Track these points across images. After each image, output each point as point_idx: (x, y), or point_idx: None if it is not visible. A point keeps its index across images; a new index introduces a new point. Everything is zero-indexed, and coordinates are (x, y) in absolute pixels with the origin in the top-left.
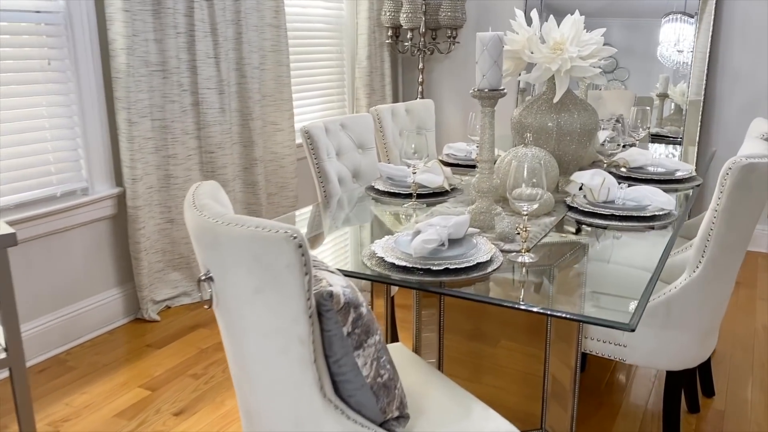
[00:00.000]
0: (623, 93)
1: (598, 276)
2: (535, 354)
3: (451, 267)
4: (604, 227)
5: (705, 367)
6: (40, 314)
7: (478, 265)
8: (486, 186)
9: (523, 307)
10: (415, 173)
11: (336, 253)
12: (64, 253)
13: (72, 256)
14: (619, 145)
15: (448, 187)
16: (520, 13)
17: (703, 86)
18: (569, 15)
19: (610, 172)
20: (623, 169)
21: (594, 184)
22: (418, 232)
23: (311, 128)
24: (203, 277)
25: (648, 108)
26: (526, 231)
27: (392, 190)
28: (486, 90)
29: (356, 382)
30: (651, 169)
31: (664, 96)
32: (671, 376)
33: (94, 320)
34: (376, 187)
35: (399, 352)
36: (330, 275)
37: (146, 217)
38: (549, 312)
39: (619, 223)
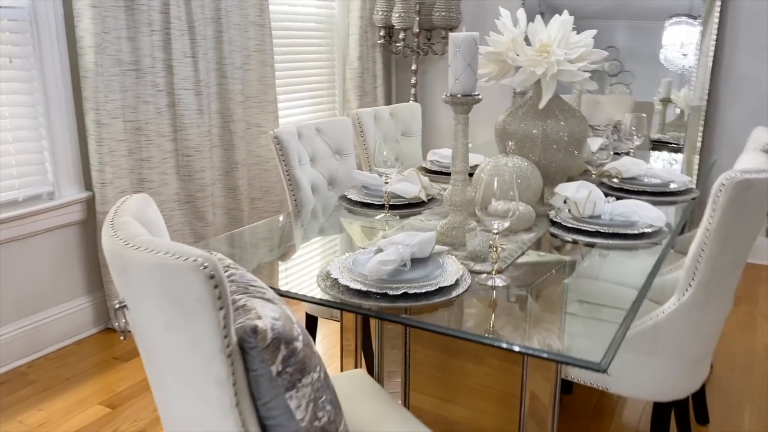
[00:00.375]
0: (622, 98)
1: (578, 300)
2: (513, 371)
3: (410, 291)
4: (591, 245)
5: (698, 393)
6: (1, 324)
7: (441, 290)
8: (459, 199)
9: (484, 341)
10: (387, 183)
11: (292, 271)
12: (28, 260)
13: (37, 263)
14: (609, 154)
15: (424, 198)
16: (506, 13)
17: (707, 91)
18: (557, 15)
19: (601, 183)
20: (615, 180)
21: (579, 197)
22: (380, 250)
23: (281, 133)
24: (117, 306)
25: (644, 115)
26: (497, 251)
27: (365, 200)
28: (459, 95)
29: (289, 426)
30: (645, 180)
31: (666, 101)
32: (659, 406)
33: (60, 331)
34: (348, 196)
35: (358, 380)
36: (263, 304)
37: None
38: (511, 347)
39: (605, 241)
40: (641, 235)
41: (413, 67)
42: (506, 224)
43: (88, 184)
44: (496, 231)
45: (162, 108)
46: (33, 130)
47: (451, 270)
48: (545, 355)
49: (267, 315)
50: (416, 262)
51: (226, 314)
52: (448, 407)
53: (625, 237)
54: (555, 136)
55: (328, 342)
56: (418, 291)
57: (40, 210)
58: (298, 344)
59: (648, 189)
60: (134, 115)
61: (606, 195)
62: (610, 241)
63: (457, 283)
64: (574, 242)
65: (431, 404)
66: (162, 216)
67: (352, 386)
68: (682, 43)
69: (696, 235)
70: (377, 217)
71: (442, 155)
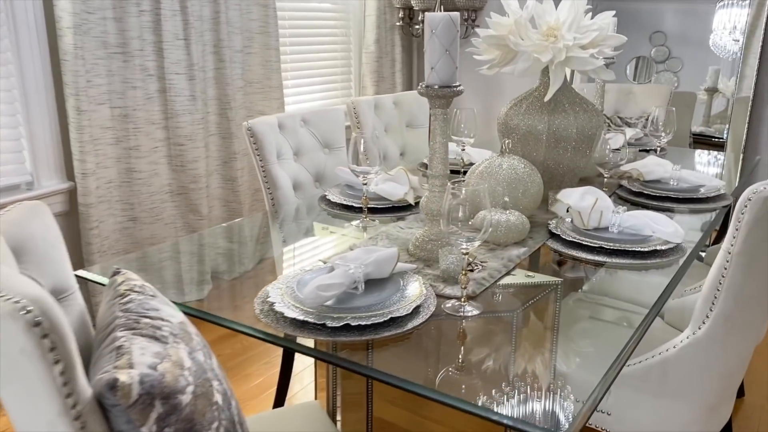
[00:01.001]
0: (658, 87)
1: (565, 336)
2: None
3: (354, 323)
4: (593, 264)
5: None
6: None
7: (393, 321)
8: (436, 207)
9: (429, 395)
10: (366, 184)
11: (232, 290)
12: None
13: None
14: (626, 154)
15: (411, 201)
16: None
17: (753, 81)
18: None
19: (620, 186)
20: (636, 184)
21: (583, 206)
22: (332, 269)
23: (255, 125)
24: None
25: (673, 108)
26: (466, 274)
27: (346, 202)
28: (436, 87)
29: None
30: (671, 183)
31: (713, 91)
32: None
33: None
34: (329, 197)
35: (306, 415)
36: (146, 345)
37: (105, 215)
38: (462, 407)
39: (610, 259)
40: (653, 253)
41: None
42: (476, 243)
43: (70, 174)
44: (465, 251)
45: (152, 94)
46: (9, 116)
47: (412, 296)
48: (502, 421)
49: (141, 362)
50: (373, 284)
51: (65, 368)
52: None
53: (635, 255)
54: (563, 132)
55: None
56: (363, 322)
57: (17, 201)
58: (184, 398)
59: (672, 194)
60: (122, 101)
61: (623, 200)
62: (616, 260)
63: (416, 312)
64: (574, 259)
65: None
66: (91, 223)
67: (295, 423)
68: (733, 27)
69: (717, 257)
70: (353, 223)
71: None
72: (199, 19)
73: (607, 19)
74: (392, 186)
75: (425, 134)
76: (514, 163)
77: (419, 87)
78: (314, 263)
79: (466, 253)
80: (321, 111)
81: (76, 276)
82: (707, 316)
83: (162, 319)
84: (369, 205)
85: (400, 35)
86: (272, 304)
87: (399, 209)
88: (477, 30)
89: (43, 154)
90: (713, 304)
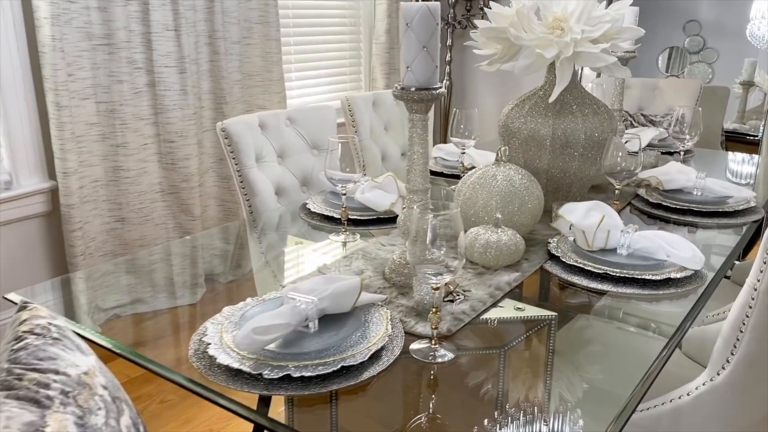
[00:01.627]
0: (685, 83)
1: (558, 385)
2: None
3: (295, 374)
4: (596, 292)
5: None
6: None
7: (346, 370)
8: (417, 227)
9: None
10: (345, 194)
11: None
12: None
13: None
14: (640, 161)
15: (399, 212)
16: None
17: None
18: None
19: (636, 195)
20: (654, 194)
21: (587, 224)
22: (292, 297)
23: (230, 125)
24: None
25: (699, 109)
26: (436, 313)
27: (327, 213)
28: (412, 89)
29: None
30: (694, 194)
31: (749, 84)
32: None
33: None
34: (309, 206)
35: None
36: (20, 412)
37: (90, 216)
38: None
39: (615, 288)
40: (667, 282)
41: (448, 42)
42: (446, 278)
43: (52, 173)
44: (435, 285)
45: (140, 88)
46: None
47: (374, 335)
48: None
49: None
50: (331, 320)
51: None
52: None
53: (645, 284)
54: (570, 137)
55: None
56: (307, 373)
57: None
58: None
59: (695, 207)
60: (107, 96)
61: (639, 212)
62: (623, 289)
63: (377, 357)
64: (573, 287)
65: None
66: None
67: None
68: None
69: (741, 290)
70: (331, 236)
71: (448, 152)
72: (191, 9)
73: (623, 9)
74: (378, 195)
75: (431, 133)
76: (510, 173)
77: (394, 88)
78: (277, 288)
79: (437, 289)
80: (309, 109)
81: (5, 299)
82: (728, 361)
83: (56, 372)
84: (352, 217)
85: None
86: (208, 345)
87: (385, 221)
88: (476, 22)
89: (22, 152)
90: (735, 347)
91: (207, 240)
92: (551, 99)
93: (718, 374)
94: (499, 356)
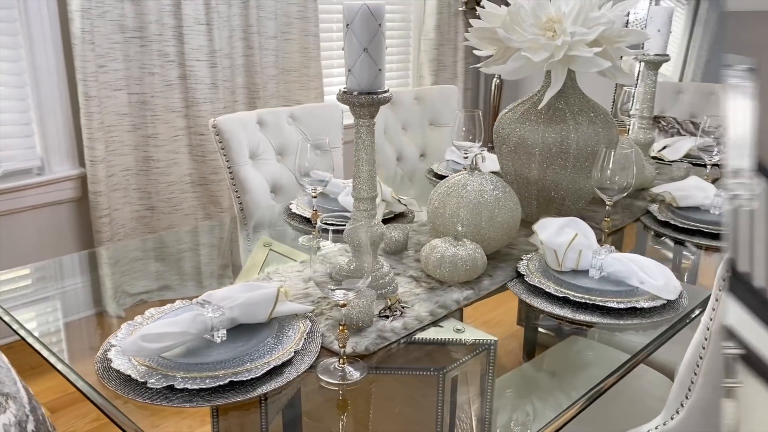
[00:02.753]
0: (709, 86)
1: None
2: None
3: (179, 386)
4: (555, 317)
5: None
6: None
7: (235, 386)
8: (358, 237)
9: None
10: (315, 197)
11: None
12: (14, 237)
13: (23, 240)
14: (633, 174)
15: (379, 216)
16: None
17: None
18: None
19: (647, 211)
20: (666, 211)
21: (558, 242)
22: (204, 304)
23: (222, 122)
24: None
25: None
26: (344, 329)
27: (306, 214)
28: (354, 93)
29: None
30: (710, 213)
31: None
32: None
33: None
34: (291, 207)
35: None
36: None
37: (120, 203)
38: None
39: (573, 315)
40: (632, 311)
41: None
42: (351, 295)
43: (83, 161)
44: (341, 302)
45: (172, 80)
46: (19, 100)
47: (282, 348)
48: None
49: None
50: (243, 331)
51: None
52: None
53: (609, 312)
54: (561, 146)
55: None
56: (190, 385)
57: (26, 185)
58: None
59: (704, 228)
60: (139, 87)
61: (646, 229)
62: (582, 316)
63: (277, 372)
64: (538, 311)
65: None
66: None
67: None
68: None
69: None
70: (300, 240)
71: (460, 154)
72: (225, 4)
73: (625, 9)
74: None
75: (450, 134)
76: (483, 183)
77: (338, 93)
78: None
79: (344, 305)
80: (312, 107)
81: None
82: (682, 405)
83: None
84: (329, 221)
85: (463, 21)
86: (113, 347)
87: None
88: (471, 21)
89: (54, 139)
90: (689, 390)
91: (193, 236)
92: (541, 105)
93: (672, 418)
94: (418, 380)
